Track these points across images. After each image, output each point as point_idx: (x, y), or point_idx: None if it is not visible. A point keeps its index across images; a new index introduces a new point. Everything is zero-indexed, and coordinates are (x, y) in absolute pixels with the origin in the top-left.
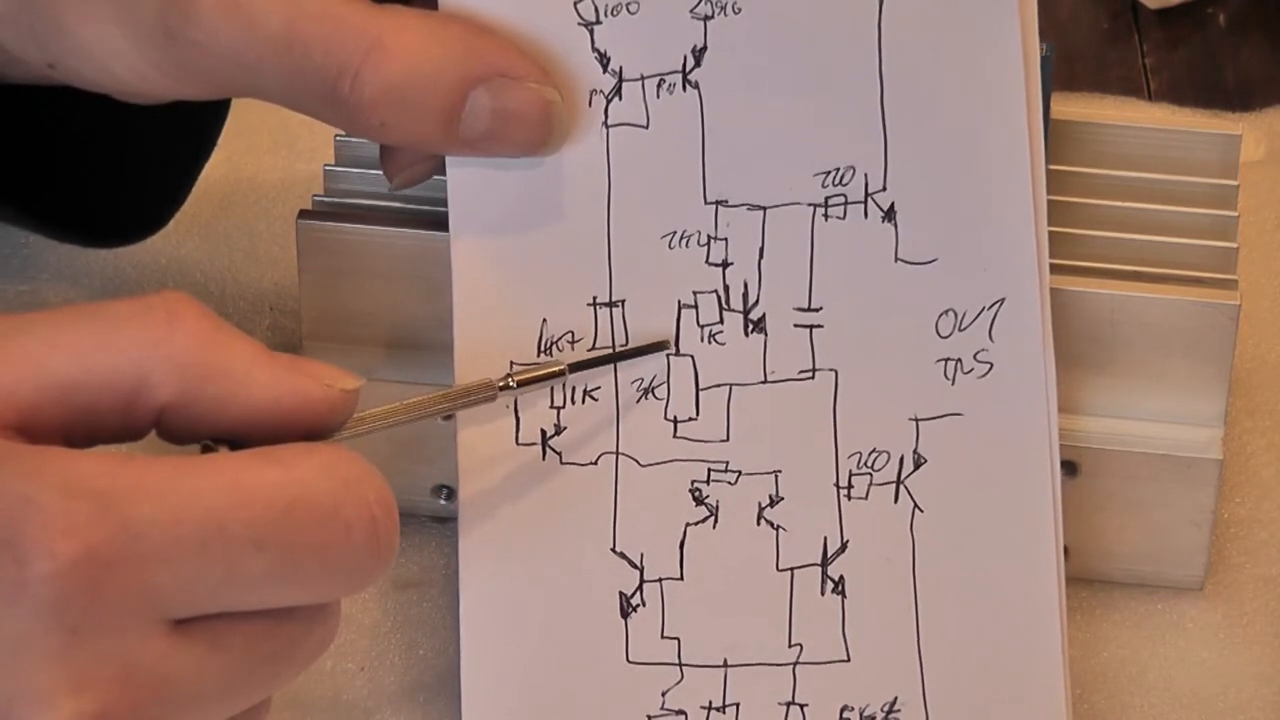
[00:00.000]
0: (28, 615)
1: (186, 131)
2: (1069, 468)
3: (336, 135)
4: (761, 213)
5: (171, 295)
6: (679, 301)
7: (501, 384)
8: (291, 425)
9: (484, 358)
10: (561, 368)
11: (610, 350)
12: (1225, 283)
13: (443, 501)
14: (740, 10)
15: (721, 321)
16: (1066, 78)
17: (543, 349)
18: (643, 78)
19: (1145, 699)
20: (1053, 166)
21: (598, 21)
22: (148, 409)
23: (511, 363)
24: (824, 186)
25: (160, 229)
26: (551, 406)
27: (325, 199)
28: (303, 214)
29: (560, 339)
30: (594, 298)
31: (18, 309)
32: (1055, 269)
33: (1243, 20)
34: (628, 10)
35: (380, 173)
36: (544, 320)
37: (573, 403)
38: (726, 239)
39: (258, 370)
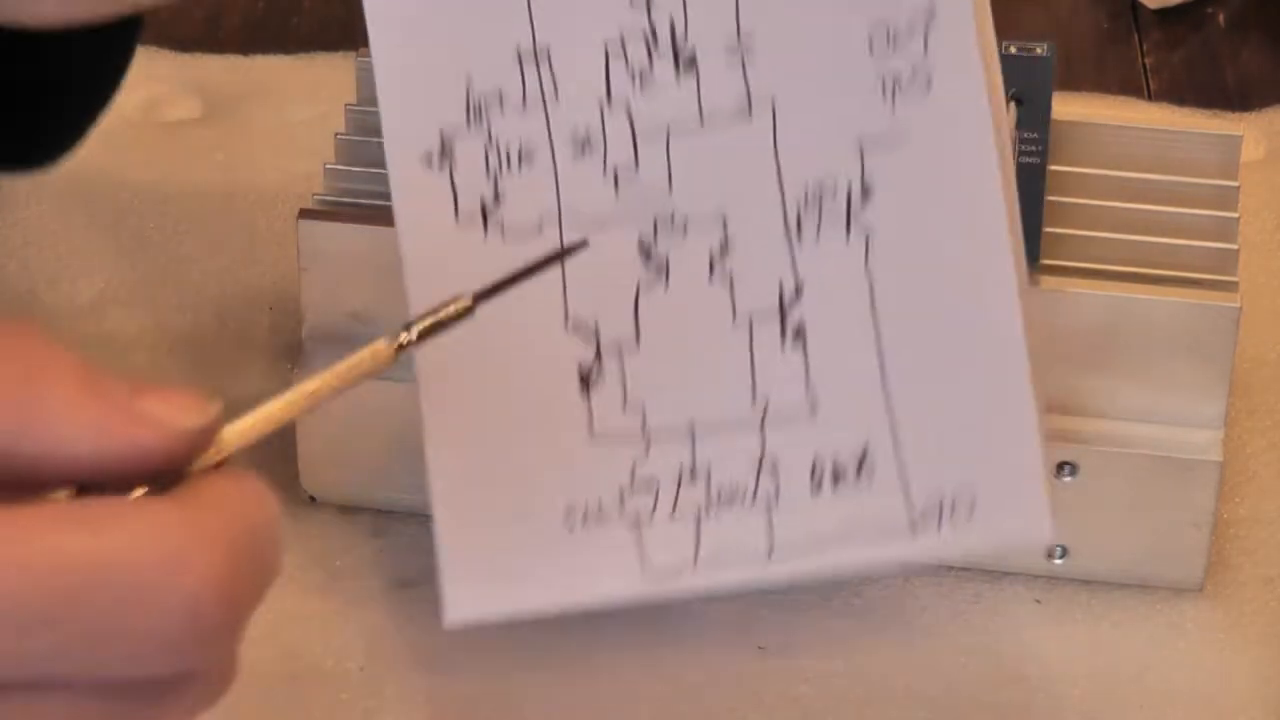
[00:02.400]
0: None
1: (92, 62)
2: (1069, 468)
3: (337, 135)
4: None
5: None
6: (605, 46)
7: (399, 343)
8: (128, 474)
9: (412, 127)
10: (466, 304)
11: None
12: (1226, 284)
13: None
14: None
15: (651, 65)
16: (1066, 78)
17: (471, 111)
18: None
19: (1145, 699)
20: (1053, 166)
21: None
22: None
23: (409, 324)
24: None
25: (50, 166)
26: (487, 175)
27: (325, 199)
28: (303, 214)
29: (488, 99)
30: (517, 46)
31: (17, 309)
32: (1055, 270)
33: (1243, 20)
34: None
35: (382, 171)
36: (469, 77)
37: (508, 168)
38: None
39: (76, 420)
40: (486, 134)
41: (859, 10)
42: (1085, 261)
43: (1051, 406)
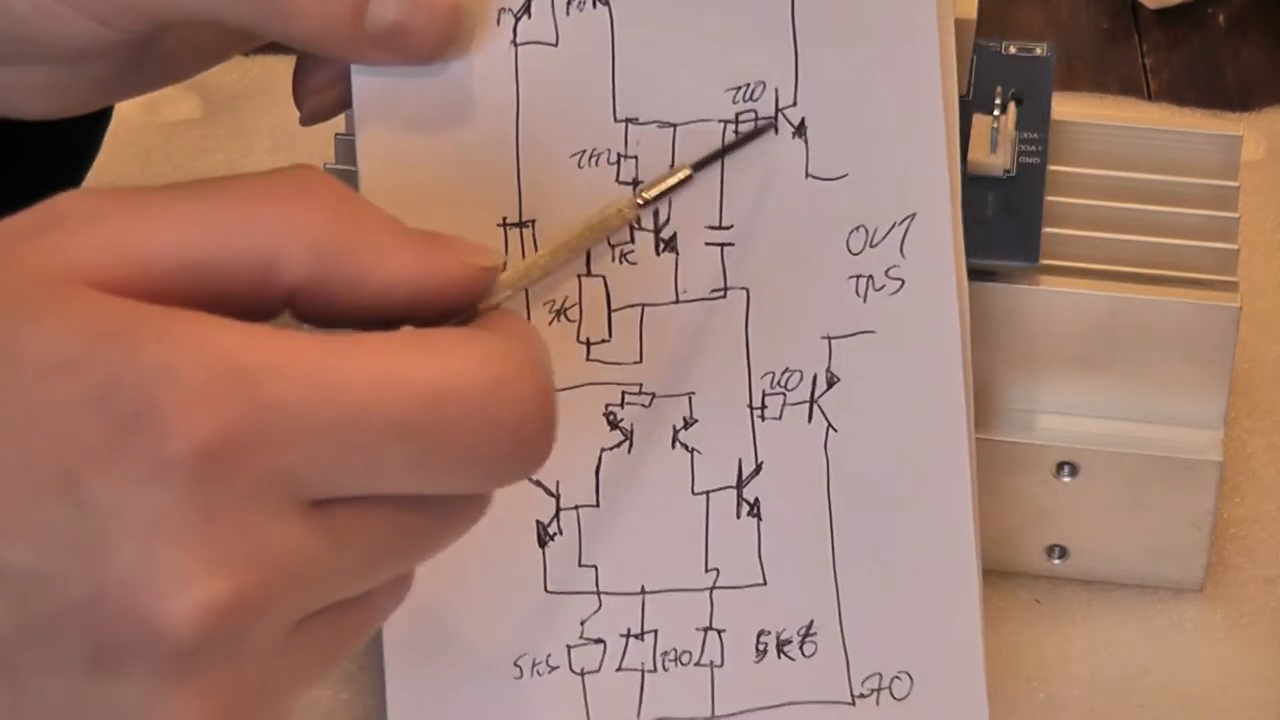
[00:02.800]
0: (162, 493)
1: (58, 156)
2: (1069, 468)
3: (337, 134)
4: (672, 130)
5: (302, 169)
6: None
7: (640, 201)
8: (430, 304)
9: None
10: (687, 173)
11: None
12: (1226, 285)
13: None
14: None
15: (632, 241)
16: (1066, 78)
17: None
18: None
19: (1145, 699)
20: (1053, 167)
21: None
22: (279, 288)
23: (635, 187)
24: (734, 103)
25: None
26: None
27: None
28: None
29: None
30: (504, 218)
31: None
32: (1055, 270)
33: (1243, 20)
34: None
35: None
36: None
37: None
38: (637, 157)
39: (394, 247)
40: None
41: (840, 212)
42: (1085, 261)
43: (1052, 406)
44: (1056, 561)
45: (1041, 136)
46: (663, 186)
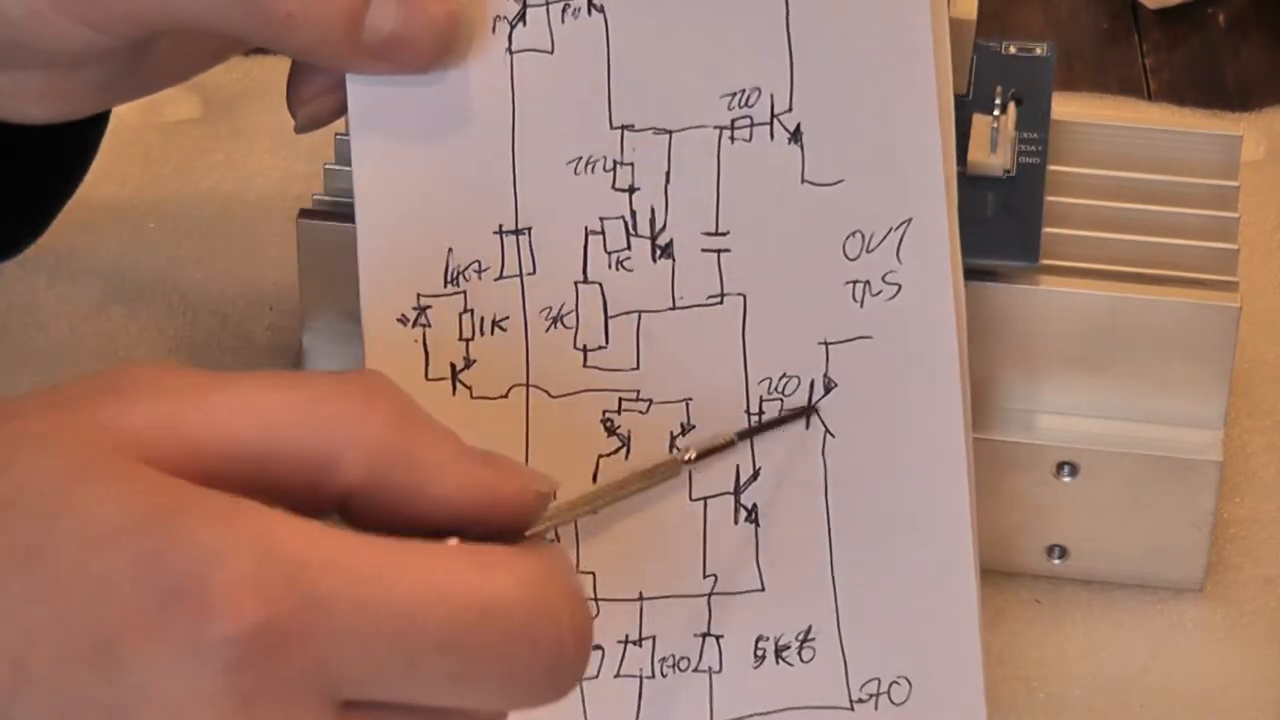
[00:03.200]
0: (200, 673)
1: (52, 164)
2: (1069, 468)
3: (337, 134)
4: (668, 136)
5: (370, 374)
6: (586, 228)
7: (685, 459)
8: (480, 523)
9: (390, 289)
10: (731, 439)
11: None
12: (1226, 285)
13: None
14: None
15: (629, 248)
16: (1066, 78)
17: (449, 278)
18: (547, 3)
19: (1145, 699)
20: (1053, 167)
21: None
22: (333, 490)
23: (677, 446)
24: (730, 109)
25: (11, 257)
26: (460, 339)
27: (325, 199)
28: (303, 214)
29: (467, 268)
30: (500, 225)
31: (17, 309)
32: (1055, 270)
33: (1243, 20)
34: None
35: None
36: (450, 249)
37: (481, 334)
38: (633, 164)
39: (451, 462)
40: (463, 301)
41: (837, 217)
42: (1085, 261)
43: (1052, 407)
44: (1056, 561)
45: (1041, 136)
46: (710, 447)
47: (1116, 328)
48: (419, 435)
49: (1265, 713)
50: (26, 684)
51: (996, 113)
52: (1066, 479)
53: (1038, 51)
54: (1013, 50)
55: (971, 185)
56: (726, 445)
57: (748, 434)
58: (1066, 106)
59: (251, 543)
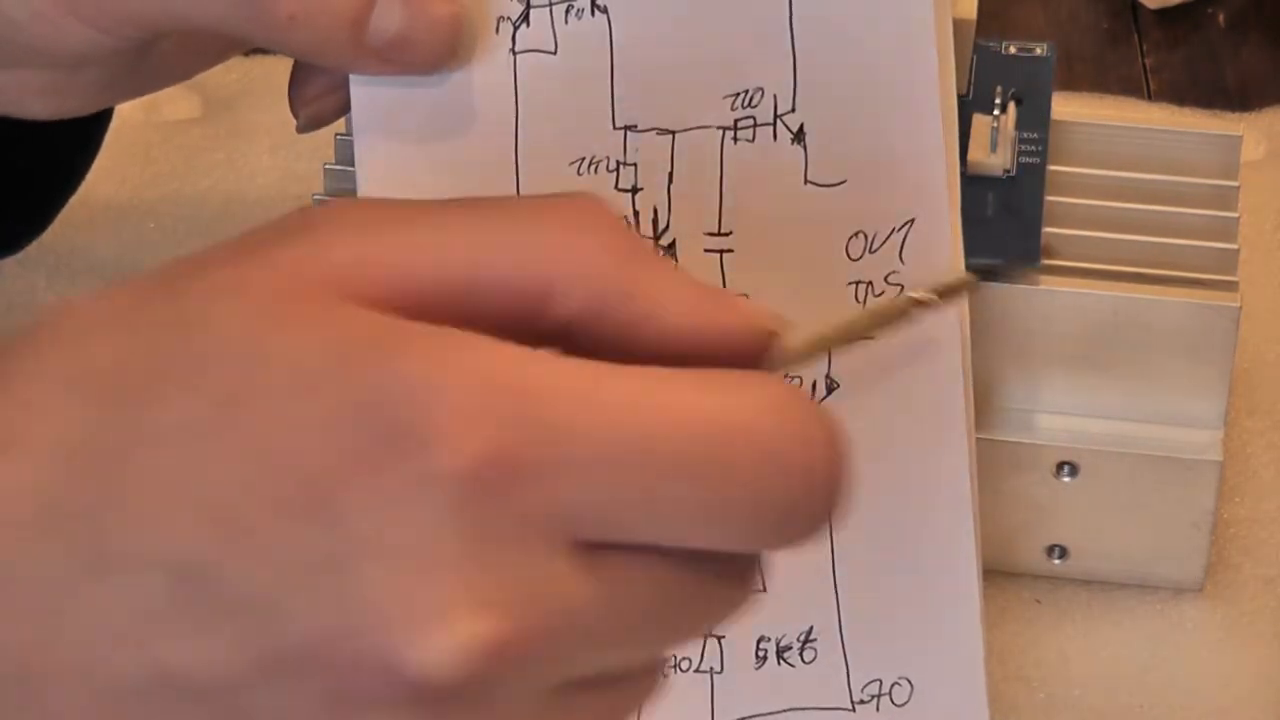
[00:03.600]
0: (428, 514)
1: (55, 160)
2: (1069, 468)
3: (337, 134)
4: (670, 137)
5: (585, 198)
6: None
7: (920, 298)
8: (707, 359)
9: None
10: (969, 278)
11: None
12: (1226, 284)
13: None
14: None
15: None
16: (1066, 78)
17: None
18: (550, 4)
19: (1145, 699)
20: (1053, 167)
21: None
22: (551, 322)
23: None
24: (733, 109)
25: (14, 253)
26: None
27: (325, 199)
28: None
29: None
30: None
31: (16, 307)
32: (1055, 270)
33: (1243, 20)
34: None
35: None
36: None
37: None
38: (635, 164)
39: (677, 295)
40: None
41: (839, 218)
42: (1085, 261)
43: (1052, 406)
44: (1056, 561)
45: (1041, 136)
46: (947, 285)
47: (1117, 328)
48: (643, 265)
49: (1265, 713)
50: (240, 540)
51: (996, 113)
52: (1066, 479)
53: (1038, 51)
54: (1013, 50)
55: (972, 185)
56: (964, 284)
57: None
58: (1066, 106)
59: (472, 372)
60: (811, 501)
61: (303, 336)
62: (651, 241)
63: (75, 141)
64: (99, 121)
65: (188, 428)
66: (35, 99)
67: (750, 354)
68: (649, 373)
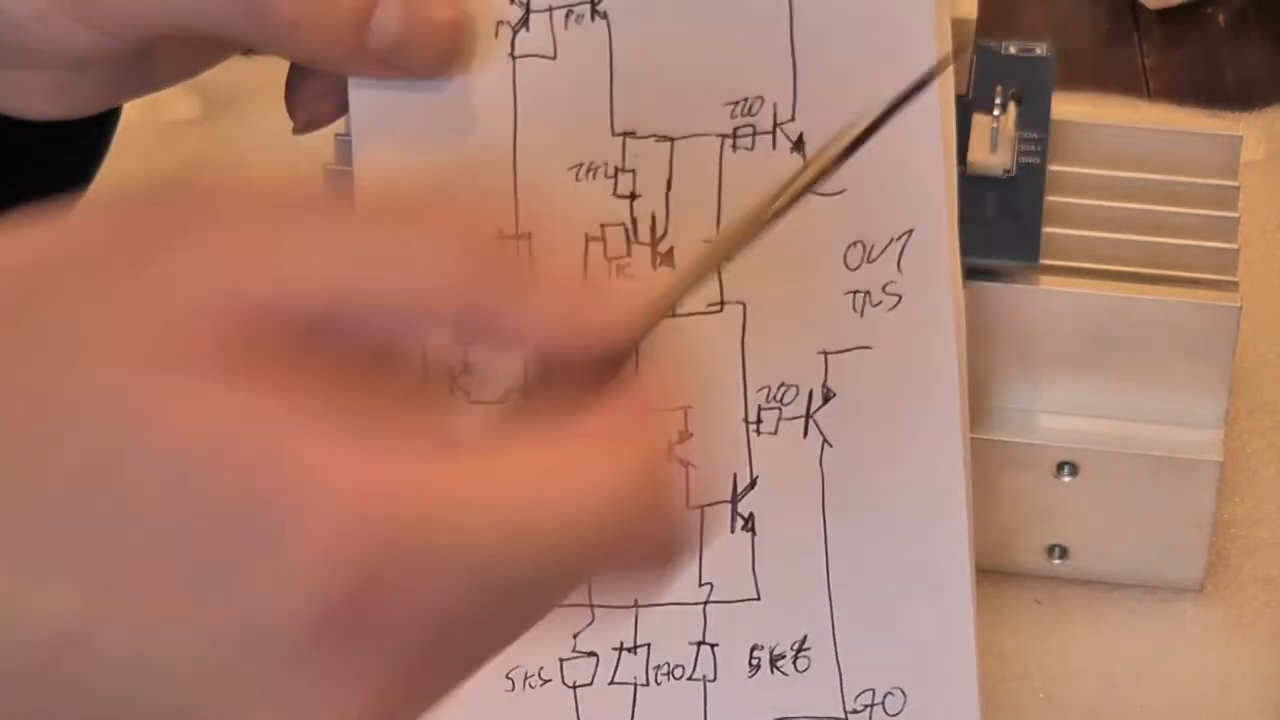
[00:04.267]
0: (295, 604)
1: (63, 161)
2: (1069, 468)
3: (337, 134)
4: (670, 144)
5: (458, 207)
6: (586, 235)
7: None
8: (580, 365)
9: None
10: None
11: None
12: (1226, 284)
13: None
14: None
15: (629, 254)
16: (1066, 78)
17: None
18: (550, 9)
19: (1145, 699)
20: (1053, 166)
21: None
22: (417, 340)
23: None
24: (732, 117)
25: None
26: (460, 344)
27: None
28: None
29: None
30: (500, 231)
31: None
32: (1055, 270)
33: (1243, 20)
34: None
35: None
36: None
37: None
38: (634, 171)
39: (548, 303)
40: None
41: (838, 227)
42: (1085, 261)
43: (1052, 406)
44: (1057, 561)
45: (1041, 136)
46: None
47: (1116, 328)
48: (507, 277)
49: (1265, 713)
50: (112, 612)
51: (996, 113)
52: (1066, 479)
53: (1038, 51)
54: (1013, 50)
55: (971, 185)
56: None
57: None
58: (1066, 106)
59: (340, 485)
60: (667, 575)
61: (171, 424)
62: (516, 242)
63: (83, 141)
64: (107, 120)
65: (61, 480)
66: (40, 99)
67: (626, 349)
68: (531, 453)
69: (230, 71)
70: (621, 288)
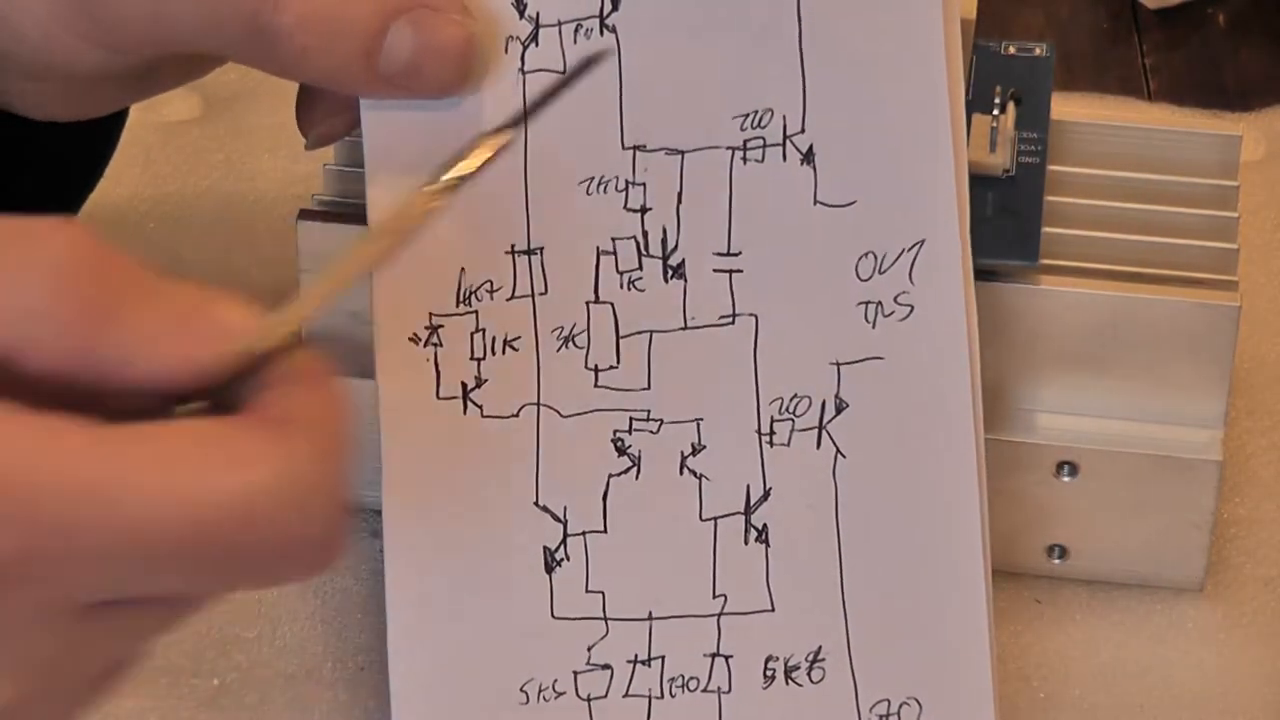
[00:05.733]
0: None
1: (74, 156)
2: (1069, 468)
3: None
4: (680, 157)
5: (58, 246)
6: (597, 248)
7: (432, 188)
8: (196, 392)
9: (403, 308)
10: (507, 138)
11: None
12: (1225, 284)
13: None
14: None
15: (640, 268)
16: (1066, 78)
17: (461, 299)
18: (559, 23)
19: (1145, 699)
20: (1053, 167)
21: None
22: (30, 377)
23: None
24: (742, 129)
25: None
26: (472, 358)
27: (325, 199)
28: (303, 214)
29: (479, 288)
30: (512, 245)
31: None
32: (1055, 270)
33: (1243, 20)
34: None
35: None
36: (462, 270)
37: (493, 354)
38: (645, 184)
39: (149, 334)
40: (474, 320)
41: (849, 239)
42: (1085, 261)
43: (1052, 406)
44: (1057, 561)
45: (1041, 136)
46: (451, 174)
47: (1117, 327)
48: (103, 310)
49: (1265, 713)
50: None
51: (996, 113)
52: (1066, 479)
53: (1037, 51)
54: (1012, 50)
55: (971, 185)
56: (500, 147)
57: (510, 124)
58: (1066, 106)
59: None
60: (312, 565)
61: None
62: (129, 263)
63: (93, 136)
64: (116, 117)
65: None
66: (51, 104)
67: (239, 374)
68: (158, 441)
69: (230, 71)
70: (231, 323)
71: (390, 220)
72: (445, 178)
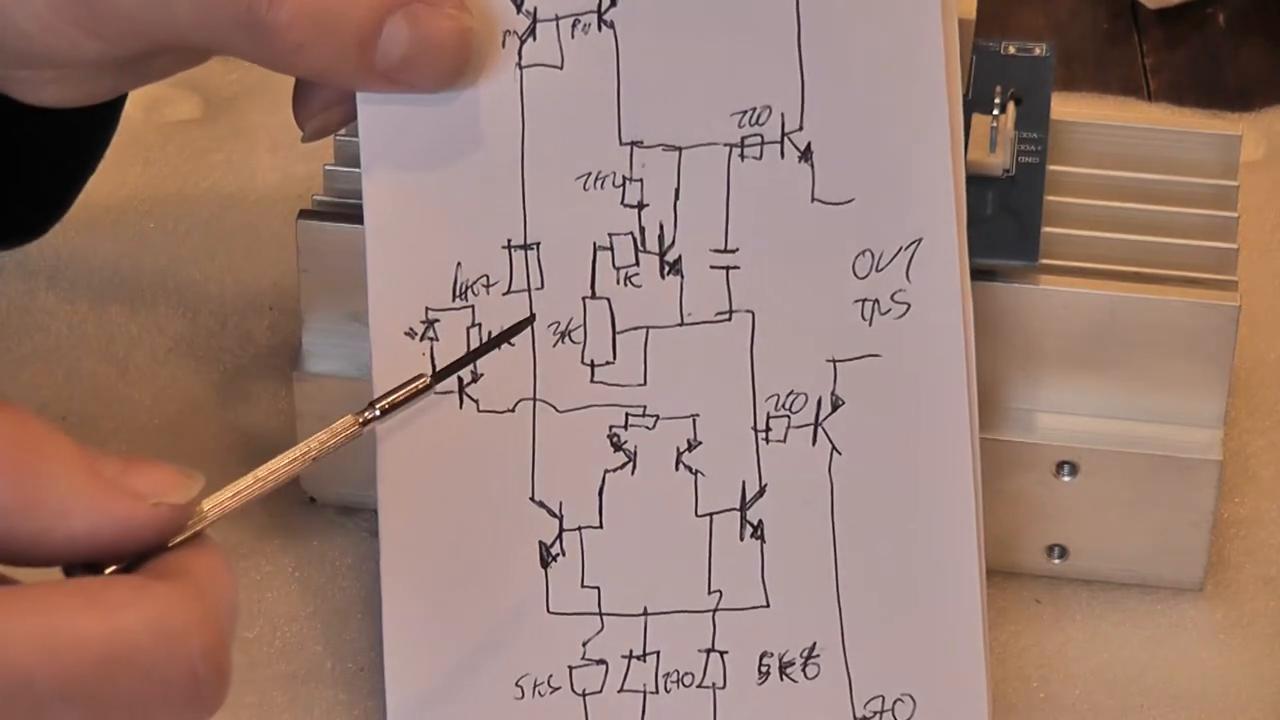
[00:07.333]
0: None
1: (71, 142)
2: (1069, 468)
3: (336, 136)
4: (677, 153)
5: None
6: (594, 244)
7: (364, 418)
8: (120, 550)
9: (399, 302)
10: (424, 381)
11: (475, 345)
12: (1225, 284)
13: None
14: None
15: (637, 264)
16: (1066, 78)
17: (458, 293)
18: (557, 18)
19: (1145, 699)
20: (1052, 166)
21: None
22: None
23: (373, 402)
24: (740, 126)
25: (38, 238)
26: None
27: (325, 199)
28: (303, 214)
29: (475, 283)
30: (508, 240)
31: (16, 309)
32: (1055, 270)
33: (1243, 20)
34: None
35: None
36: (459, 264)
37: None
38: (642, 180)
39: (76, 500)
40: (471, 315)
41: (846, 236)
42: (1085, 261)
43: (1052, 406)
44: (1057, 561)
45: (1041, 136)
46: (394, 398)
47: (1116, 327)
48: (32, 475)
49: (1265, 713)
50: None
51: (996, 113)
52: (1066, 479)
53: (1037, 51)
54: (1012, 50)
55: (971, 185)
56: (420, 391)
57: (443, 374)
58: (1066, 106)
59: None
60: (195, 705)
61: None
62: (50, 430)
63: (90, 123)
64: (113, 104)
65: None
66: (48, 91)
67: (163, 532)
68: (34, 594)
69: (230, 71)
70: (161, 482)
71: (316, 436)
72: (377, 405)
